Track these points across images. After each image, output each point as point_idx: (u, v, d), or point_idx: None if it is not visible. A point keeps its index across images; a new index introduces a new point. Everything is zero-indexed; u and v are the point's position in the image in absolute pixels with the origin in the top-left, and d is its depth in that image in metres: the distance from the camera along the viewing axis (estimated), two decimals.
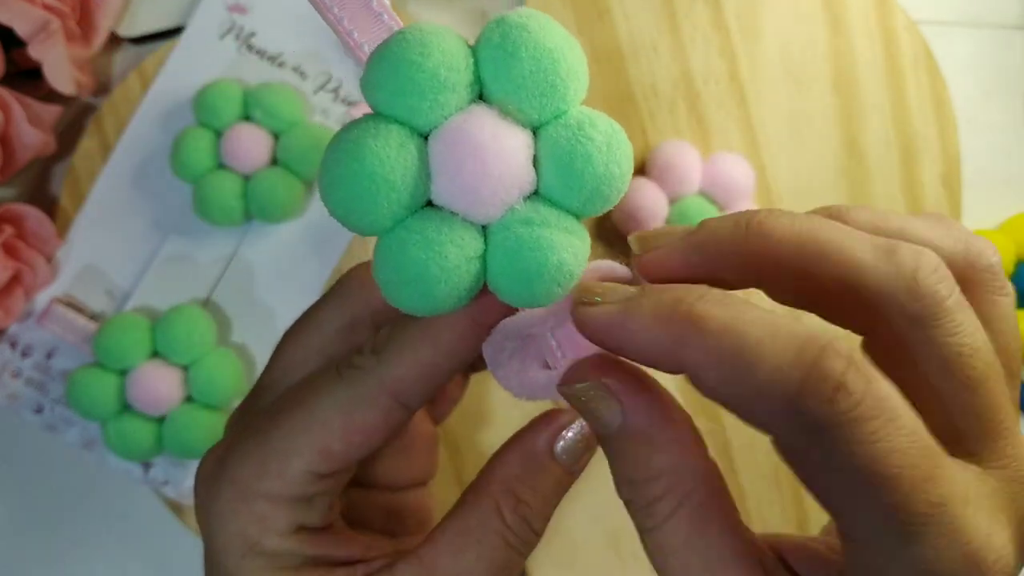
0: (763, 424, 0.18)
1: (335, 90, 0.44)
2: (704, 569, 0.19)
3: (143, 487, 0.44)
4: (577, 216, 0.19)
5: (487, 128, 0.18)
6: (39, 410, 0.43)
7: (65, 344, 0.43)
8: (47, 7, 0.40)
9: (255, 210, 0.42)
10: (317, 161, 0.43)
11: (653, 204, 0.42)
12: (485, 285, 0.19)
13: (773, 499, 0.45)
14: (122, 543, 0.45)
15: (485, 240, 0.19)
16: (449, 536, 0.22)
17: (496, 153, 0.18)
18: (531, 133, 0.19)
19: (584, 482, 0.44)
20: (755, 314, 0.18)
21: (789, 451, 0.18)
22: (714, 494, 0.19)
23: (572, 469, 0.24)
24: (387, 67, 0.18)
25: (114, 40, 0.45)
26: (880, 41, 0.45)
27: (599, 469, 0.48)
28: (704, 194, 0.43)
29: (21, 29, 0.39)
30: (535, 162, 0.19)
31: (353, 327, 0.24)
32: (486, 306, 0.21)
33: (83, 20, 0.43)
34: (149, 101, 0.44)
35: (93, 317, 0.43)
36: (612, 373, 0.20)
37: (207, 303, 0.44)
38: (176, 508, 0.44)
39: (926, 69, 0.45)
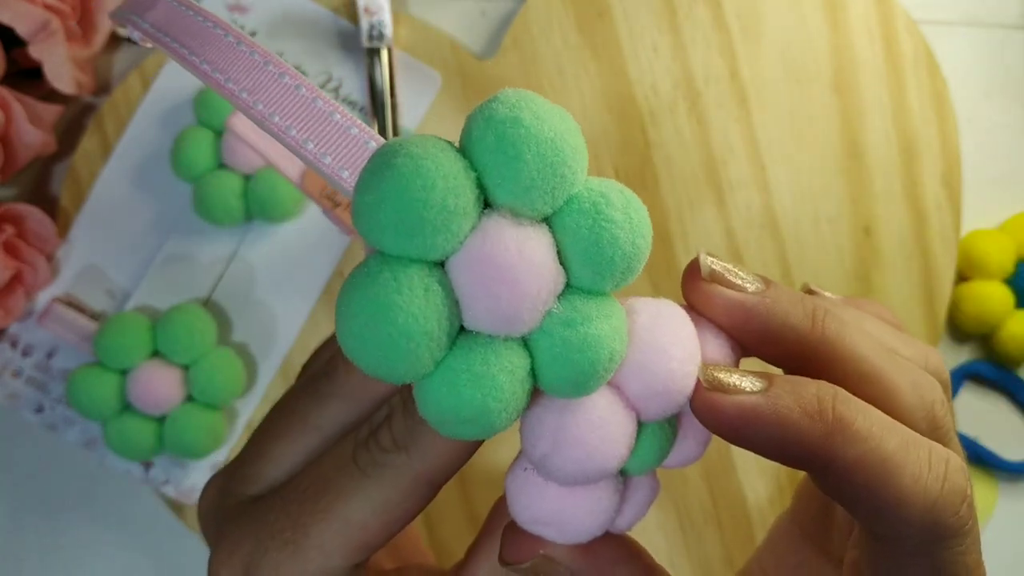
0: (890, 527, 0.19)
1: (335, 89, 0.44)
2: None
3: (143, 487, 0.44)
4: (609, 295, 0.18)
5: (511, 246, 0.17)
6: (39, 409, 0.43)
7: (65, 343, 0.43)
8: (48, 7, 0.40)
9: (256, 210, 0.42)
10: None
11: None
12: None
13: (773, 497, 0.45)
14: (122, 543, 0.45)
15: (529, 350, 0.18)
16: (492, 565, 0.22)
17: (527, 271, 0.17)
18: (546, 225, 0.18)
19: None
20: (887, 420, 0.19)
21: (904, 554, 0.19)
22: None
23: None
24: (389, 209, 0.16)
25: (115, 40, 0.45)
26: (881, 41, 0.45)
27: None
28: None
29: (21, 29, 0.39)
30: (559, 255, 0.18)
31: (359, 424, 0.23)
32: None
33: (84, 20, 0.43)
34: (150, 101, 0.44)
35: (94, 316, 0.43)
36: (548, 547, 0.21)
37: (207, 303, 0.44)
38: (177, 507, 0.44)
39: (926, 69, 0.45)
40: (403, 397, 0.21)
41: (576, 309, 0.18)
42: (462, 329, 0.18)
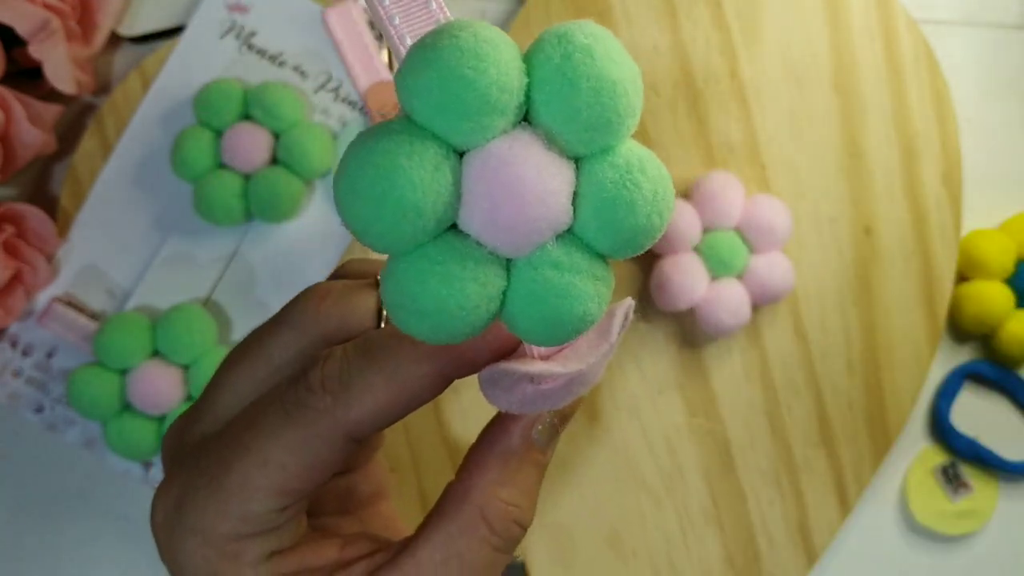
0: None
1: (335, 89, 0.44)
2: None
3: (143, 487, 0.44)
4: (606, 259, 0.18)
5: (532, 162, 0.17)
6: (40, 409, 0.43)
7: (66, 343, 0.43)
8: (48, 6, 0.40)
9: (256, 209, 0.42)
10: (317, 160, 0.43)
11: (687, 228, 0.42)
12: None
13: (773, 498, 0.45)
14: (122, 543, 0.45)
15: (508, 275, 0.17)
16: (432, 547, 0.22)
17: (539, 195, 0.17)
18: (574, 165, 0.17)
19: (584, 479, 0.44)
20: None
21: None
22: None
23: (547, 451, 0.23)
24: (433, 76, 0.16)
25: (115, 39, 0.45)
26: (881, 40, 0.45)
27: (598, 467, 0.48)
28: (740, 232, 0.43)
29: (22, 28, 0.39)
30: (574, 198, 0.17)
31: (303, 359, 0.23)
32: (458, 365, 0.21)
33: (84, 19, 0.43)
34: (150, 100, 0.44)
35: (94, 316, 0.43)
36: None
37: (208, 302, 0.44)
38: None
39: (927, 68, 0.45)
40: (344, 346, 0.21)
41: (569, 256, 0.17)
42: (455, 228, 0.17)
